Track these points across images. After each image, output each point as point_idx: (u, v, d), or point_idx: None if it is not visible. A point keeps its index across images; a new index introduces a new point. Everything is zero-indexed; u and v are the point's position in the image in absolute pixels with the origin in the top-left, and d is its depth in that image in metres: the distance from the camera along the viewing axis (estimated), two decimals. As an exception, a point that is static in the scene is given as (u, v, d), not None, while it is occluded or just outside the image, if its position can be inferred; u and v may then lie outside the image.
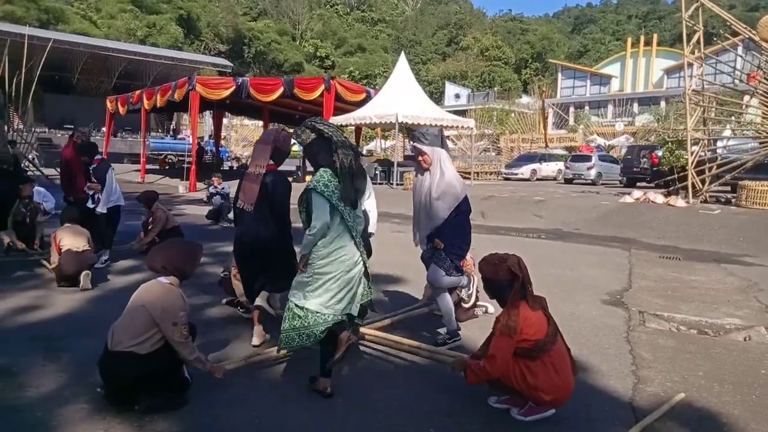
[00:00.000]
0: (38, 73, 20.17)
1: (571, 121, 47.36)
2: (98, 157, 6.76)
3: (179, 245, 3.27)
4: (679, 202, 11.90)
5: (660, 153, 15.33)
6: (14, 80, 19.42)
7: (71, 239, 5.59)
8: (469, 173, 23.06)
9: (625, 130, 37.87)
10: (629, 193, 13.40)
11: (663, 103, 44.36)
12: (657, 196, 12.44)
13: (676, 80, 46.24)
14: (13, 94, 20.08)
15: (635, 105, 47.70)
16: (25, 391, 3.15)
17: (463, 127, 20.70)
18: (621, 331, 4.57)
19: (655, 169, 15.84)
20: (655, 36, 54.51)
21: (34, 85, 19.78)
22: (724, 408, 3.18)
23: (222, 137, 33.43)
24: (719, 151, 13.52)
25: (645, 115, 42.99)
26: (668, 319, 4.97)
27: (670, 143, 13.95)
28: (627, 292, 5.95)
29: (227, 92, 18.77)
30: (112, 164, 7.33)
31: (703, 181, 12.63)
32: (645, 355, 4.00)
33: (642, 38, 53.34)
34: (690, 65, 13.05)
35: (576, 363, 3.13)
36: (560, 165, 26.79)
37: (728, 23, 12.43)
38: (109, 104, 25.35)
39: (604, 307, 5.34)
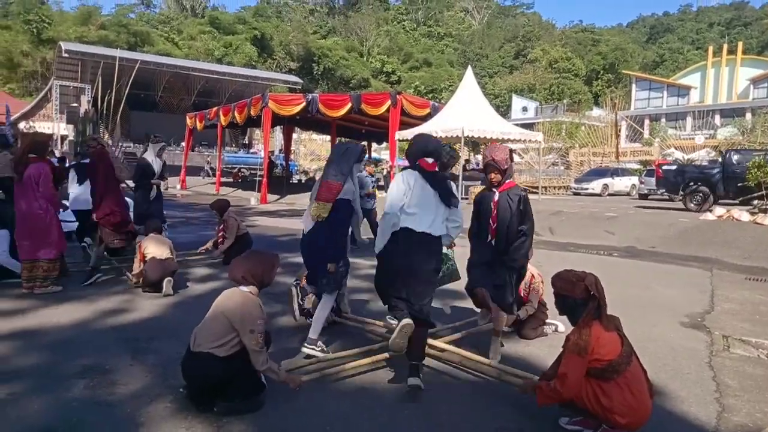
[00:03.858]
0: (126, 91, 21.78)
1: (646, 134, 45.32)
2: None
3: (258, 256, 3.42)
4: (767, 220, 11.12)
5: (670, 167, 15.80)
6: (105, 99, 21.08)
7: (155, 248, 5.97)
8: (537, 187, 22.59)
9: (705, 144, 35.82)
10: (711, 210, 12.66)
11: (749, 115, 41.56)
12: (742, 214, 11.68)
13: (764, 90, 43.31)
14: (104, 111, 21.77)
15: (717, 117, 44.96)
16: (116, 387, 3.40)
17: (530, 140, 20.30)
18: (702, 355, 4.33)
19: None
20: (740, 44, 51.27)
21: (123, 102, 21.29)
22: (821, 443, 2.95)
23: (291, 151, 34.52)
24: None
25: (728, 127, 40.42)
26: (756, 345, 4.65)
27: (757, 158, 13.08)
28: (709, 314, 5.62)
29: (298, 108, 19.42)
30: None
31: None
32: (730, 383, 3.77)
33: (725, 46, 50.27)
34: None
35: (653, 386, 3.00)
36: (634, 180, 25.70)
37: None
38: (188, 120, 26.79)
39: (683, 329, 5.07)
